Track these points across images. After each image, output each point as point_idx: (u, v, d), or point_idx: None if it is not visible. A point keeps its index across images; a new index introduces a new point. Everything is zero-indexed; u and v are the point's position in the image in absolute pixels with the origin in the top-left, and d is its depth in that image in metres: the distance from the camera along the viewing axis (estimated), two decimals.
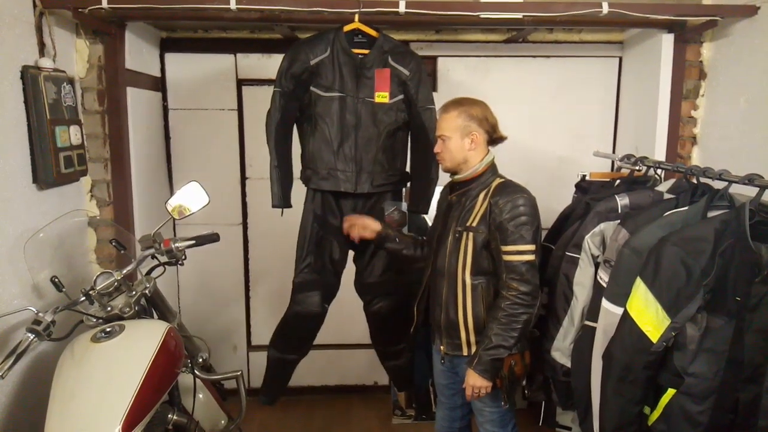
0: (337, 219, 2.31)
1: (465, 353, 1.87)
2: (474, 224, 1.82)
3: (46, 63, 2.10)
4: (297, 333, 2.42)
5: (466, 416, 2.10)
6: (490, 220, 1.78)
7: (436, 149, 1.91)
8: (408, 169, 2.37)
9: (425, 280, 2.01)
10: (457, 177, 1.92)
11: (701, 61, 2.58)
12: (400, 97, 2.22)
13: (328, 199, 2.30)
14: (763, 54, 2.20)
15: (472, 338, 1.85)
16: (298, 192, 2.33)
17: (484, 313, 1.82)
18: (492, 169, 1.88)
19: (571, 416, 2.60)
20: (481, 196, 1.84)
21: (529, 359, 1.87)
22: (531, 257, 1.75)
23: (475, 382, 1.79)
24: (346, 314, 2.70)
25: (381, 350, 2.59)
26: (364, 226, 2.13)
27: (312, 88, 2.21)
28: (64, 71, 2.22)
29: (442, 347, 1.95)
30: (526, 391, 1.96)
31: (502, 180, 1.86)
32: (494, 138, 1.89)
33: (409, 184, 2.36)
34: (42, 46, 2.13)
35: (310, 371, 2.96)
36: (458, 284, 1.85)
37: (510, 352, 1.77)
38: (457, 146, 1.85)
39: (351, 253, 2.43)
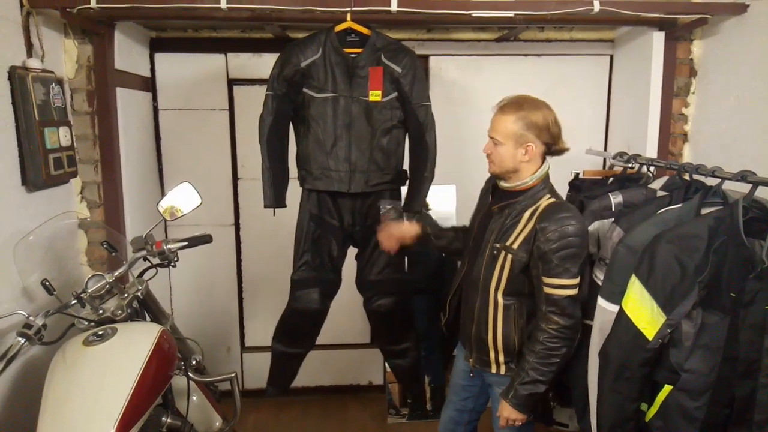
0: (334, 218, 2.31)
1: (493, 371, 1.81)
2: (515, 246, 1.67)
3: (34, 63, 2.07)
4: (298, 329, 2.42)
5: (473, 421, 2.06)
6: (534, 247, 1.63)
7: (486, 150, 1.74)
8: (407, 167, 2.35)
9: (459, 279, 1.92)
10: (503, 184, 1.75)
11: (691, 59, 2.59)
12: (394, 94, 2.20)
13: (324, 199, 2.29)
14: (753, 51, 2.21)
15: (501, 358, 1.78)
16: (295, 192, 2.33)
17: (515, 334, 1.74)
18: (544, 182, 1.71)
19: (569, 413, 2.61)
20: (527, 214, 1.68)
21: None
22: (573, 291, 1.62)
23: (510, 414, 1.72)
24: (341, 314, 2.68)
25: (383, 348, 2.58)
26: (401, 234, 2.01)
27: (305, 90, 2.20)
28: (52, 72, 2.19)
29: (471, 360, 1.87)
30: (552, 403, 1.91)
31: (553, 200, 1.68)
32: (553, 150, 1.70)
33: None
34: (30, 46, 2.11)
35: (304, 372, 2.93)
36: (490, 302, 1.75)
37: (548, 387, 1.67)
38: (509, 155, 1.67)
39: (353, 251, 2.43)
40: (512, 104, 1.69)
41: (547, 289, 1.63)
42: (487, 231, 1.78)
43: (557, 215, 1.62)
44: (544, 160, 1.73)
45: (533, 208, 1.68)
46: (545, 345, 1.64)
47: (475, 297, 1.80)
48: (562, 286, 1.62)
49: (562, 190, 2.36)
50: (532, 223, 1.65)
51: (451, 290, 1.96)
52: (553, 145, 1.69)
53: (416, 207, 2.22)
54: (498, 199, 1.80)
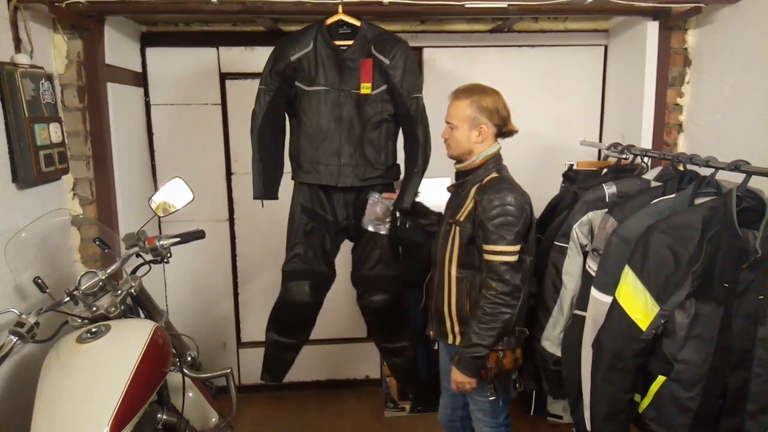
0: (327, 211, 2.29)
1: (450, 341, 1.91)
2: (462, 219, 1.82)
3: (22, 59, 2.05)
4: (290, 320, 2.41)
5: (468, 404, 2.08)
6: (475, 217, 1.77)
7: (443, 135, 1.90)
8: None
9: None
10: (458, 166, 1.91)
11: (686, 48, 2.58)
12: (383, 87, 2.16)
13: (316, 192, 2.27)
14: (747, 40, 2.21)
15: (456, 328, 1.87)
16: (289, 186, 2.32)
17: (468, 306, 1.83)
18: (493, 161, 1.85)
19: (562, 405, 2.63)
20: (473, 190, 1.82)
21: (520, 354, 1.87)
22: (511, 258, 1.72)
23: (457, 377, 1.82)
24: (337, 308, 2.69)
25: (379, 345, 2.57)
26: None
27: (297, 84, 2.18)
28: (42, 67, 2.17)
29: (432, 332, 2.00)
30: (517, 385, 1.96)
31: (496, 175, 1.82)
32: (504, 131, 1.86)
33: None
34: (18, 41, 2.08)
35: (300, 367, 2.93)
36: (445, 275, 1.87)
37: (489, 350, 1.77)
38: (464, 137, 1.83)
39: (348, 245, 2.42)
40: (464, 91, 1.86)
41: (486, 256, 1.75)
42: (446, 210, 1.96)
43: (495, 187, 1.77)
44: (495, 142, 1.87)
45: (479, 184, 1.82)
46: (484, 310, 1.74)
47: (434, 272, 1.94)
48: (497, 252, 1.73)
49: (557, 181, 2.37)
50: (475, 197, 1.80)
51: (428, 276, 2.05)
52: (503, 127, 1.85)
53: (405, 204, 2.16)
54: (457, 180, 1.94)
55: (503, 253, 1.72)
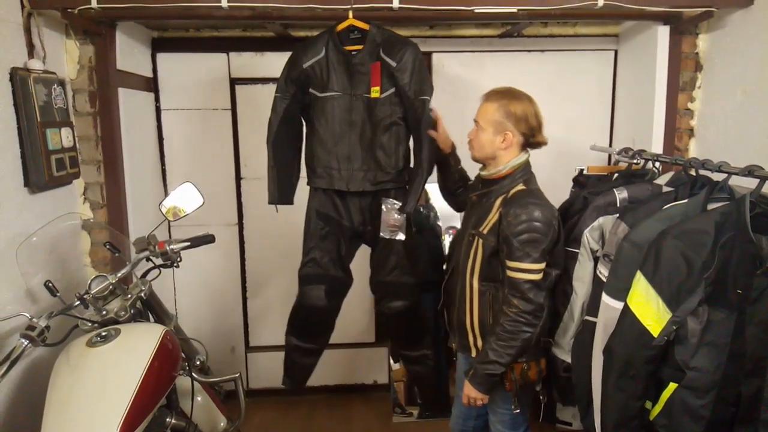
0: (342, 216, 2.29)
1: (473, 354, 1.86)
2: (485, 231, 1.76)
3: (35, 64, 2.07)
4: (307, 323, 2.42)
5: (482, 415, 2.06)
6: (500, 231, 1.70)
7: (469, 135, 1.85)
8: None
9: (451, 266, 1.98)
10: (482, 173, 1.85)
11: (697, 53, 2.57)
12: (392, 90, 2.15)
13: (331, 196, 2.27)
14: (759, 44, 2.19)
15: (479, 342, 1.83)
16: (302, 191, 2.33)
17: (490, 319, 1.78)
18: (521, 172, 1.77)
19: (572, 412, 2.60)
20: (498, 201, 1.75)
21: (544, 365, 1.84)
22: (535, 276, 1.67)
23: (470, 393, 1.79)
24: (346, 313, 2.66)
25: (400, 352, 2.57)
26: (445, 136, 2.10)
27: (311, 90, 2.20)
28: (54, 73, 2.19)
29: (454, 344, 1.96)
30: (541, 397, 1.94)
31: (523, 188, 1.74)
32: (531, 142, 1.78)
33: None
34: (31, 47, 2.11)
35: None
36: (467, 287, 1.82)
37: (506, 368, 1.73)
38: (489, 140, 1.76)
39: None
40: (496, 93, 1.78)
41: (509, 272, 1.69)
42: (468, 218, 1.89)
43: (522, 201, 1.69)
44: (523, 151, 1.80)
45: (504, 195, 1.75)
46: (504, 327, 1.69)
47: (457, 283, 1.88)
48: (522, 270, 1.67)
49: (567, 186, 2.35)
50: (500, 210, 1.73)
51: (445, 277, 2.02)
52: (531, 137, 1.76)
53: (409, 207, 2.16)
54: (479, 188, 1.88)
55: (528, 270, 1.66)
